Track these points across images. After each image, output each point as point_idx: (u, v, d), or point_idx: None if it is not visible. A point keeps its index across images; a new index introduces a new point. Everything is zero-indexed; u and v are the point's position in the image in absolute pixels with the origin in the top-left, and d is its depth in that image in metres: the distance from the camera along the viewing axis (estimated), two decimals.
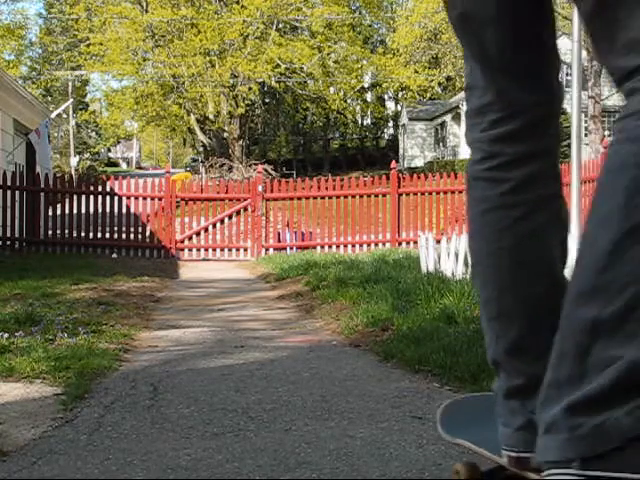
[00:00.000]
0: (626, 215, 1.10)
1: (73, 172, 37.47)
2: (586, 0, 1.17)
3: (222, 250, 13.35)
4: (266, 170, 23.01)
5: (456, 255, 6.39)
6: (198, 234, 13.45)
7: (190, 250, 13.34)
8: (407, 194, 13.42)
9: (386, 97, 44.98)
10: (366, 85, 39.35)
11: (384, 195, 13.43)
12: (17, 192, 12.41)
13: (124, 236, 12.90)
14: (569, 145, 7.38)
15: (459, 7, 1.35)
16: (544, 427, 1.15)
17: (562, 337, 1.16)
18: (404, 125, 41.48)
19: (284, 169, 40.47)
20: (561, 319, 1.17)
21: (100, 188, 12.97)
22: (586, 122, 26.04)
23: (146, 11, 31.33)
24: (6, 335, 3.64)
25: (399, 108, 45.01)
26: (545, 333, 1.29)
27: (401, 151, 41.90)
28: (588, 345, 1.11)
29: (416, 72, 32.90)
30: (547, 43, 1.31)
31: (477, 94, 1.40)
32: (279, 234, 13.78)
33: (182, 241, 13.32)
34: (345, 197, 13.49)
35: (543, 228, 1.37)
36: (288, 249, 13.22)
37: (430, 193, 13.43)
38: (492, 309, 1.43)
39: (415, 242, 11.97)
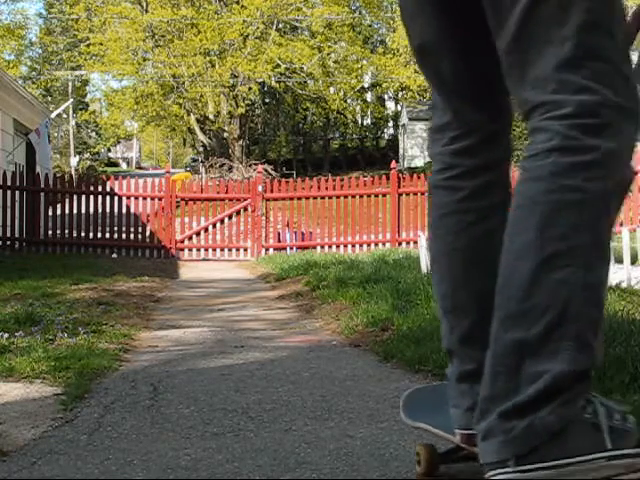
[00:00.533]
0: (539, 247, 1.26)
1: (73, 172, 37.47)
2: (503, 38, 1.33)
3: (222, 250, 13.36)
4: (266, 170, 23.02)
5: None
6: (198, 234, 13.46)
7: (190, 250, 13.34)
8: (407, 194, 13.43)
9: (386, 97, 45.01)
10: (366, 85, 39.36)
11: (384, 195, 13.43)
12: (17, 192, 12.42)
13: (124, 236, 12.91)
14: None
15: (418, 38, 1.52)
16: (481, 435, 1.32)
17: (493, 358, 1.31)
18: (404, 125, 41.50)
19: (284, 169, 40.49)
20: (491, 342, 1.33)
21: (100, 188, 12.98)
22: None
23: (146, 11, 31.33)
24: (6, 335, 3.64)
25: (399, 108, 45.02)
26: (485, 340, 1.42)
27: (401, 151, 41.92)
28: (517, 364, 1.27)
29: (416, 72, 32.86)
30: (495, 68, 1.41)
31: (438, 114, 1.57)
32: (279, 234, 13.79)
33: (182, 241, 13.32)
34: (345, 197, 13.49)
35: (493, 232, 1.48)
36: (288, 249, 13.22)
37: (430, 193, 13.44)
38: (448, 303, 1.57)
39: (415, 242, 11.97)
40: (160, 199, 13.22)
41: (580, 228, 1.27)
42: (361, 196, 13.42)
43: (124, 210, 12.99)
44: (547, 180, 1.27)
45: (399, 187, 13.39)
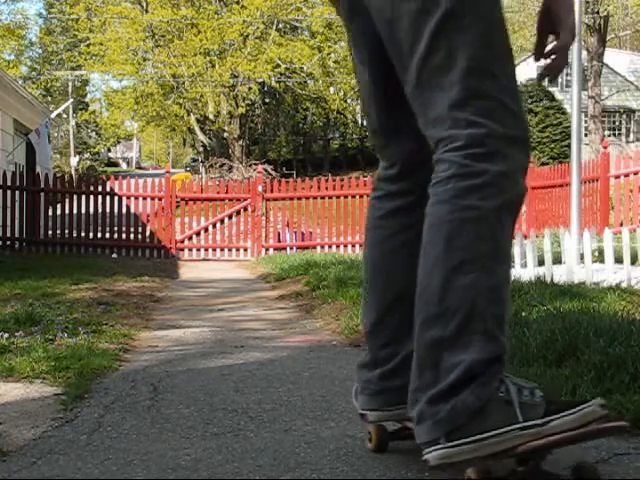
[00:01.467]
0: (447, 258, 1.53)
1: (73, 172, 37.47)
2: (407, 86, 1.60)
3: (222, 250, 13.36)
4: (266, 170, 23.02)
5: None
6: (198, 234, 13.46)
7: (190, 250, 13.34)
8: None
9: None
10: None
11: None
12: (17, 192, 12.42)
13: (124, 236, 12.91)
14: (569, 145, 7.40)
15: (359, 86, 1.87)
16: (415, 421, 1.56)
17: (418, 354, 1.57)
18: None
19: (284, 169, 40.48)
20: (415, 340, 1.58)
21: (100, 188, 12.98)
22: (586, 122, 26.05)
23: (146, 11, 31.33)
24: (6, 335, 3.64)
25: None
26: (389, 329, 1.81)
27: None
28: (438, 358, 1.53)
29: None
30: (411, 112, 1.66)
31: (375, 147, 1.90)
32: (279, 234, 13.79)
33: (182, 241, 13.32)
34: (345, 197, 13.49)
35: (403, 246, 1.81)
36: (288, 249, 13.23)
37: None
38: (364, 298, 1.92)
39: None
40: (160, 199, 13.22)
41: (480, 239, 1.52)
42: (361, 196, 13.41)
43: (124, 210, 12.99)
44: (449, 202, 1.54)
45: None
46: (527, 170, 1.60)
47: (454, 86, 1.52)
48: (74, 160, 44.22)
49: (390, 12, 1.58)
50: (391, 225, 1.83)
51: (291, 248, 13.27)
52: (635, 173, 10.83)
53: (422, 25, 1.54)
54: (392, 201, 1.84)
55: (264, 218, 13.47)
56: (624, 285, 4.94)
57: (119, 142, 60.11)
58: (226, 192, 13.73)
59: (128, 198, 13.02)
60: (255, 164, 27.68)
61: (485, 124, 1.52)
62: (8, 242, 12.29)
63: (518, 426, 1.48)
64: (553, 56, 1.64)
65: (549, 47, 1.64)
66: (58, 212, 12.83)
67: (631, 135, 34.41)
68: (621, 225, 10.41)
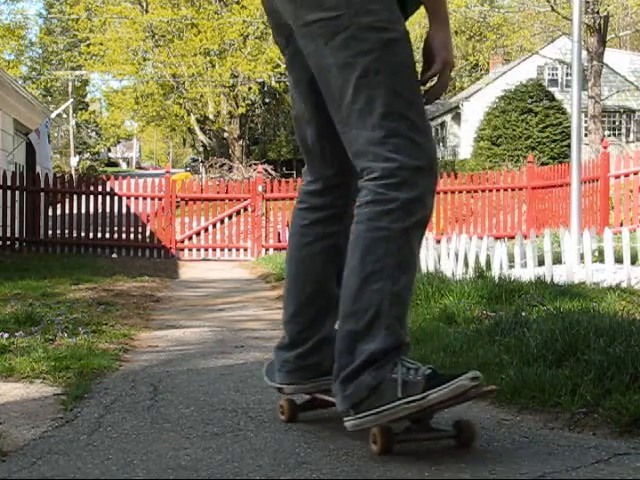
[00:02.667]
0: (362, 269, 1.90)
1: (73, 172, 37.46)
2: (337, 122, 1.96)
3: (222, 250, 13.36)
4: (266, 170, 23.02)
5: (456, 255, 6.40)
6: (198, 234, 13.46)
7: (190, 250, 13.34)
8: None
9: None
10: None
11: None
12: (17, 192, 12.41)
13: (124, 236, 12.91)
14: (569, 145, 7.40)
15: (294, 109, 2.18)
16: (335, 394, 1.98)
17: (338, 342, 1.96)
18: None
19: (284, 169, 40.45)
20: (338, 330, 1.99)
21: (100, 188, 12.98)
22: (586, 122, 26.04)
23: (146, 11, 31.33)
24: (6, 335, 3.64)
25: None
26: (306, 318, 2.20)
27: None
28: (351, 346, 1.92)
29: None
30: (334, 141, 2.02)
31: (305, 160, 2.23)
32: (279, 234, 13.79)
33: (182, 241, 13.32)
34: None
35: (321, 252, 2.17)
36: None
37: None
38: (285, 293, 2.28)
39: None
40: (160, 199, 13.22)
41: (387, 254, 1.88)
42: None
43: (124, 210, 12.99)
44: (365, 223, 1.91)
45: None
46: (434, 191, 1.95)
47: (374, 127, 1.88)
48: (74, 160, 44.22)
49: (322, 63, 1.93)
50: (313, 233, 2.17)
51: None
52: (635, 173, 10.83)
53: (348, 77, 1.89)
54: (314, 213, 2.19)
55: (264, 218, 13.47)
56: (624, 285, 4.94)
57: (119, 142, 60.12)
58: (226, 192, 13.73)
59: (128, 198, 13.02)
60: (255, 164, 27.68)
61: (397, 159, 1.86)
62: (8, 242, 12.29)
63: (405, 400, 1.83)
64: (433, 82, 1.99)
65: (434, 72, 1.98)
66: (58, 212, 12.83)
67: (631, 135, 34.41)
68: (621, 225, 10.40)
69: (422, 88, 2.00)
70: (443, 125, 38.93)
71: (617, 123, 34.51)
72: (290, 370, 2.23)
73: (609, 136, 31.90)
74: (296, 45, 2.04)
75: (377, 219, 1.89)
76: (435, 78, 1.99)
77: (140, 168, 70.04)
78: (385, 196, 1.87)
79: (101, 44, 31.38)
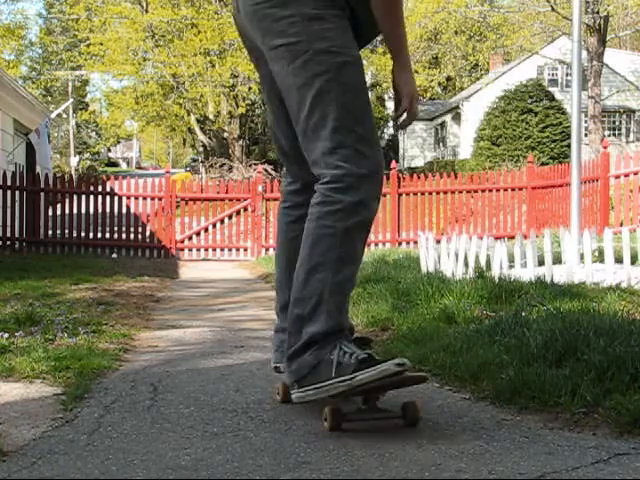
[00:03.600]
0: (309, 261, 2.21)
1: (73, 172, 37.46)
2: (298, 134, 2.28)
3: (222, 250, 13.36)
4: (266, 170, 23.02)
5: (456, 255, 6.39)
6: (198, 234, 13.46)
7: (190, 250, 13.34)
8: (407, 194, 13.43)
9: (386, 97, 44.96)
10: None
11: (384, 195, 13.42)
12: (17, 192, 12.41)
13: (124, 236, 12.91)
14: (569, 145, 7.39)
15: (269, 119, 2.52)
16: (283, 370, 2.35)
17: (289, 324, 2.28)
18: None
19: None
20: (289, 316, 2.29)
21: (100, 188, 12.98)
22: (586, 122, 26.03)
23: (146, 11, 31.32)
24: (6, 335, 3.64)
25: None
26: None
27: (401, 151, 41.91)
28: (298, 328, 2.22)
29: (416, 72, 32.85)
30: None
31: (283, 165, 2.56)
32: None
33: (182, 241, 13.32)
34: None
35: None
36: None
37: (430, 193, 13.43)
38: (278, 283, 2.57)
39: (415, 242, 11.97)
40: (160, 199, 13.22)
41: (331, 249, 2.19)
42: None
43: (124, 210, 12.98)
44: (315, 221, 2.22)
45: (399, 187, 13.39)
46: (378, 196, 2.27)
47: (326, 139, 2.18)
48: (74, 160, 44.23)
49: (286, 82, 2.25)
50: (299, 228, 2.37)
51: None
52: (635, 173, 10.83)
53: (305, 95, 2.20)
54: (298, 210, 2.48)
55: (264, 218, 13.46)
56: (624, 285, 4.93)
57: (119, 142, 60.10)
58: (226, 192, 13.73)
59: (128, 198, 13.02)
60: (255, 164, 27.68)
61: (344, 167, 2.17)
62: (8, 242, 12.28)
63: (337, 380, 2.11)
64: (403, 117, 2.34)
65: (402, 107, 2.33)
66: (58, 212, 12.82)
67: (631, 135, 34.40)
68: (621, 225, 10.40)
69: (400, 119, 2.39)
70: (443, 125, 38.92)
71: (617, 123, 34.51)
72: (277, 349, 2.57)
73: (609, 136, 31.89)
74: (267, 66, 2.33)
75: (324, 218, 2.20)
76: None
77: (140, 168, 70.04)
78: (332, 198, 2.19)
79: (101, 44, 31.35)
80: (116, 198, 12.95)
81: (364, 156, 2.18)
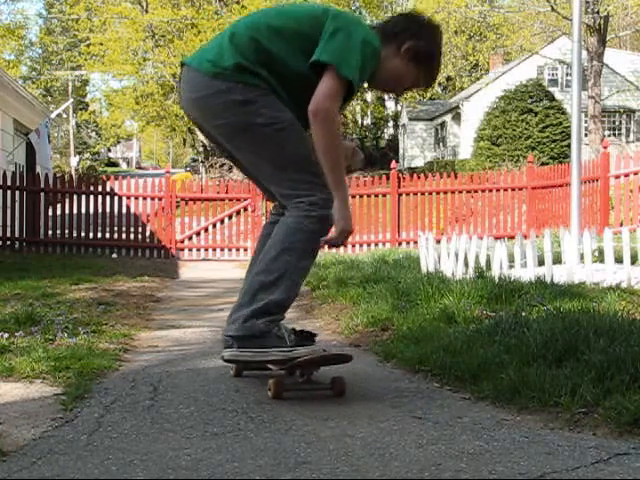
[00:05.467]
0: (282, 243, 2.70)
1: (73, 172, 37.46)
2: (262, 180, 2.89)
3: (222, 250, 13.36)
4: None
5: (456, 255, 6.39)
6: (198, 234, 13.45)
7: (190, 250, 13.34)
8: (407, 194, 13.42)
9: (386, 97, 44.95)
10: (366, 85, 39.26)
11: (384, 195, 13.43)
12: (17, 192, 12.41)
13: (124, 236, 12.90)
14: (569, 145, 7.38)
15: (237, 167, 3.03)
16: (229, 322, 2.72)
17: (247, 287, 2.74)
18: (404, 125, 41.49)
19: None
20: (248, 280, 2.79)
21: (100, 188, 12.96)
22: (586, 122, 26.02)
23: (146, 11, 31.32)
24: (6, 335, 3.64)
25: (399, 108, 44.99)
26: None
27: (401, 151, 41.90)
28: (256, 292, 2.68)
29: None
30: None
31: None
32: None
33: (182, 241, 13.32)
34: None
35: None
36: None
37: (430, 193, 13.43)
38: (250, 266, 2.97)
39: (415, 242, 11.97)
40: (160, 199, 13.22)
41: (300, 241, 2.70)
42: (361, 196, 13.41)
43: (124, 210, 12.97)
44: (294, 218, 2.71)
45: (399, 187, 13.39)
46: (327, 217, 2.68)
47: (290, 180, 2.71)
48: (74, 160, 44.21)
49: (240, 152, 2.80)
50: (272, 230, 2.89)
51: None
52: (635, 173, 10.83)
53: (260, 156, 2.73)
54: (275, 217, 2.94)
55: (264, 218, 13.46)
56: (624, 285, 4.93)
57: (119, 142, 60.07)
58: (226, 192, 13.73)
59: (128, 198, 13.01)
60: None
61: (310, 195, 2.69)
62: (8, 242, 12.28)
63: (278, 349, 2.60)
64: (334, 239, 2.72)
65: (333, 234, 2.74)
66: (58, 212, 12.82)
67: (631, 135, 34.39)
68: (621, 225, 10.40)
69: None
70: (443, 125, 38.92)
71: (617, 123, 34.50)
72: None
73: (609, 136, 31.89)
74: (216, 139, 2.85)
75: (301, 220, 2.69)
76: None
77: (140, 168, 70.01)
78: (309, 212, 2.68)
79: (101, 44, 31.34)
80: (116, 198, 12.94)
81: (321, 186, 2.68)
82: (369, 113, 44.58)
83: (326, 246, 2.81)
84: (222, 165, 29.87)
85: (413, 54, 2.73)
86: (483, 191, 13.45)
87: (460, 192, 13.46)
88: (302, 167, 2.69)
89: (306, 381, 2.69)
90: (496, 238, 7.81)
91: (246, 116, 2.65)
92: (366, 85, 2.89)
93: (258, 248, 2.97)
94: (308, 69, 2.61)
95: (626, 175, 11.05)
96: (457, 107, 36.07)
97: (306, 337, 2.73)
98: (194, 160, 46.71)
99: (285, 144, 2.67)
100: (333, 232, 2.71)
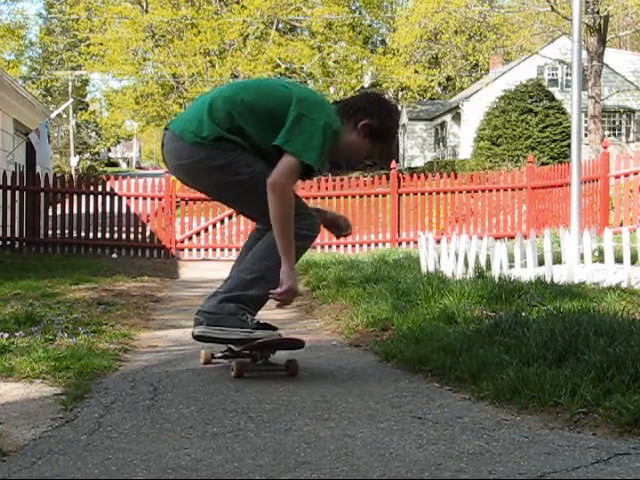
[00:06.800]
0: (266, 251, 3.11)
1: (73, 172, 37.46)
2: (245, 211, 3.53)
3: (222, 250, 13.35)
4: None
5: (456, 255, 6.39)
6: (198, 234, 13.44)
7: (190, 250, 13.34)
8: (407, 194, 13.42)
9: (386, 97, 44.86)
10: (366, 85, 39.32)
11: (384, 195, 13.43)
12: (17, 192, 12.41)
13: (124, 236, 12.89)
14: (569, 145, 7.37)
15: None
16: (207, 301, 3.16)
17: (232, 277, 3.20)
18: (404, 125, 41.48)
19: None
20: (234, 272, 3.24)
21: (100, 188, 12.96)
22: (586, 122, 26.02)
23: (146, 11, 31.32)
24: (6, 335, 3.64)
25: (399, 108, 44.97)
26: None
27: (401, 151, 41.90)
28: (236, 286, 3.10)
29: (416, 72, 32.87)
30: None
31: None
32: None
33: (182, 241, 13.32)
34: (345, 197, 13.49)
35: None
36: None
37: (430, 193, 13.42)
38: (238, 260, 3.37)
39: (415, 242, 11.97)
40: (160, 199, 13.21)
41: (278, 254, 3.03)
42: (361, 196, 13.41)
43: (124, 210, 12.96)
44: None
45: (399, 187, 13.39)
46: (317, 236, 3.28)
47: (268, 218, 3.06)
48: (74, 160, 44.19)
49: (223, 195, 3.27)
50: (258, 237, 3.28)
51: None
52: (635, 173, 10.83)
53: (238, 198, 3.19)
54: (262, 234, 3.25)
55: None
56: (624, 285, 4.93)
57: (119, 142, 60.06)
58: None
59: (128, 198, 13.00)
60: None
61: (304, 224, 3.13)
62: (8, 242, 12.28)
63: (240, 330, 3.03)
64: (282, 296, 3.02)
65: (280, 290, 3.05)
66: (58, 212, 12.81)
67: (631, 135, 34.39)
68: (621, 225, 10.40)
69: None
70: (443, 125, 38.92)
71: (617, 123, 34.50)
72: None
73: (609, 136, 31.89)
74: (204, 192, 3.35)
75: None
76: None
77: (140, 168, 69.99)
78: (297, 231, 3.05)
79: (101, 44, 31.35)
80: (116, 198, 12.93)
81: (310, 215, 3.23)
82: None
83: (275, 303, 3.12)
84: None
85: (368, 131, 3.08)
86: (483, 191, 13.45)
87: (460, 192, 13.46)
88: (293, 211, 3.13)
89: (264, 363, 3.11)
90: (496, 238, 7.81)
91: (229, 176, 3.07)
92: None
93: (244, 248, 3.37)
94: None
95: (626, 175, 11.05)
96: (457, 107, 36.07)
97: (268, 327, 3.10)
98: None
99: (254, 187, 3.05)
100: (282, 289, 2.99)
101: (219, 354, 3.29)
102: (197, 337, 3.09)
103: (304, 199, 12.67)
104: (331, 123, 2.99)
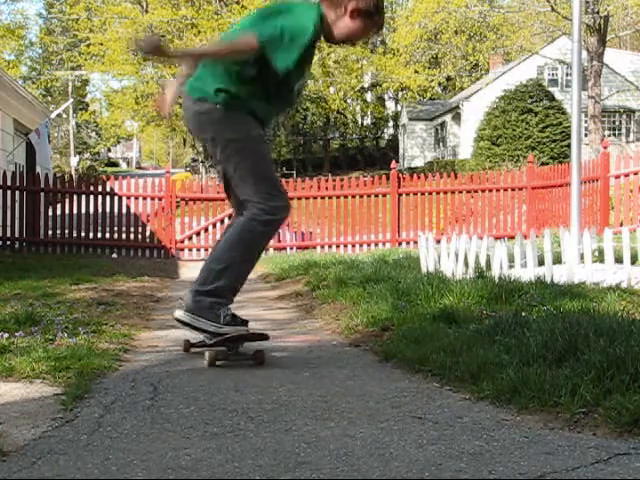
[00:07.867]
0: (233, 241, 3.45)
1: (73, 172, 37.47)
2: (234, 186, 3.54)
3: None
4: None
5: (456, 255, 6.39)
6: (198, 234, 13.45)
7: (190, 250, 13.34)
8: (407, 194, 13.43)
9: (386, 97, 45.00)
10: (366, 85, 39.33)
11: (384, 195, 13.43)
12: (17, 192, 12.41)
13: (124, 236, 12.90)
14: (569, 145, 7.37)
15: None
16: (186, 294, 3.49)
17: (202, 270, 3.45)
18: (404, 125, 41.49)
19: (284, 169, 40.45)
20: (204, 263, 3.51)
21: (100, 188, 12.96)
22: (586, 122, 26.02)
23: (146, 11, 31.32)
24: (6, 335, 3.64)
25: (399, 108, 44.99)
26: None
27: (401, 151, 41.91)
28: (208, 276, 3.41)
29: (416, 72, 32.88)
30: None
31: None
32: (279, 234, 13.78)
33: (182, 241, 13.32)
34: (345, 197, 13.49)
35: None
36: (288, 249, 13.23)
37: (430, 193, 13.43)
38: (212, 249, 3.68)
39: (415, 242, 11.97)
40: (160, 199, 13.22)
41: (247, 240, 3.39)
42: (361, 196, 13.42)
43: (124, 210, 12.97)
44: (248, 219, 3.39)
45: (399, 187, 13.39)
46: (285, 219, 3.50)
47: (250, 188, 3.39)
48: (74, 160, 44.22)
49: (219, 156, 3.47)
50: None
51: (291, 248, 13.27)
52: (635, 173, 10.83)
53: (230, 166, 3.44)
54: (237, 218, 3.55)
55: None
56: (624, 285, 4.93)
57: (119, 142, 60.07)
58: None
59: (128, 198, 13.01)
60: None
61: (266, 202, 3.37)
62: (8, 242, 12.28)
63: (211, 323, 3.32)
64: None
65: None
66: (58, 212, 12.82)
67: (631, 135, 34.41)
68: (621, 225, 10.40)
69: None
70: (443, 125, 38.92)
71: (617, 123, 34.51)
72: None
73: (609, 136, 31.90)
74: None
75: (252, 221, 3.38)
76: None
77: (140, 168, 70.04)
78: (259, 216, 3.37)
79: (101, 44, 31.34)
80: (116, 198, 12.94)
81: (275, 196, 3.40)
82: (369, 113, 44.56)
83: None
84: None
85: (359, 13, 3.33)
86: (483, 191, 13.45)
87: (460, 192, 13.46)
88: (262, 177, 3.42)
89: (235, 353, 3.42)
90: (496, 238, 7.81)
91: (219, 134, 3.40)
92: (328, 43, 3.54)
93: (218, 240, 3.66)
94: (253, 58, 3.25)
95: (626, 175, 11.05)
96: (457, 107, 36.08)
97: (240, 322, 3.37)
98: (194, 160, 46.72)
99: (249, 157, 3.41)
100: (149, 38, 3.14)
101: (197, 343, 3.61)
102: (176, 319, 3.42)
103: (305, 199, 12.71)
104: (293, 24, 3.22)
